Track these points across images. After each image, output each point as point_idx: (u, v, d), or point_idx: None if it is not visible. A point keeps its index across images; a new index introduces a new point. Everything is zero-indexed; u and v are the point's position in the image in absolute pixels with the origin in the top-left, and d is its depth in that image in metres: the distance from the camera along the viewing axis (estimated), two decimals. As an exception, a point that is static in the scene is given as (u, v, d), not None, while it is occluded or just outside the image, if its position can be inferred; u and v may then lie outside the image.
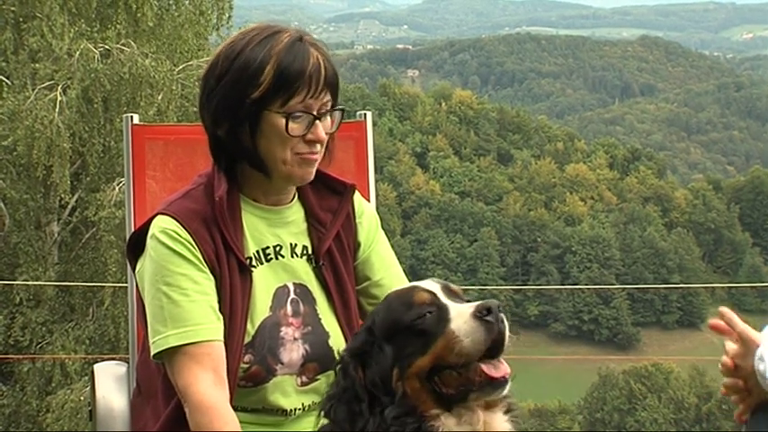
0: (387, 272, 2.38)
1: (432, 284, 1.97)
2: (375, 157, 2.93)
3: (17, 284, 15.89)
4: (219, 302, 2.15)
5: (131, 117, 2.82)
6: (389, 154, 77.67)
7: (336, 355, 2.11)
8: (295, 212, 2.31)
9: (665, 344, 68.83)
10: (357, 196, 2.41)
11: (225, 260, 2.17)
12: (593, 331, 68.97)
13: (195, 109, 14.80)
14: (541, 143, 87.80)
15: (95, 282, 15.77)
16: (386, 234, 2.48)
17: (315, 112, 2.16)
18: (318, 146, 2.19)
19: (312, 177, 2.23)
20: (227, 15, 18.49)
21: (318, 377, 2.24)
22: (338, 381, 1.92)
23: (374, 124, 2.99)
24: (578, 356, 62.92)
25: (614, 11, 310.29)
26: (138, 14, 16.73)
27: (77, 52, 15.48)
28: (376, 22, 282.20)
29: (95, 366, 2.61)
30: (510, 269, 74.20)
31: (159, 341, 2.11)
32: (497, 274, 72.25)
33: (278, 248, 2.27)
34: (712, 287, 73.62)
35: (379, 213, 2.54)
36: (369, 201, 2.62)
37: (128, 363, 2.61)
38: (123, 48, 15.66)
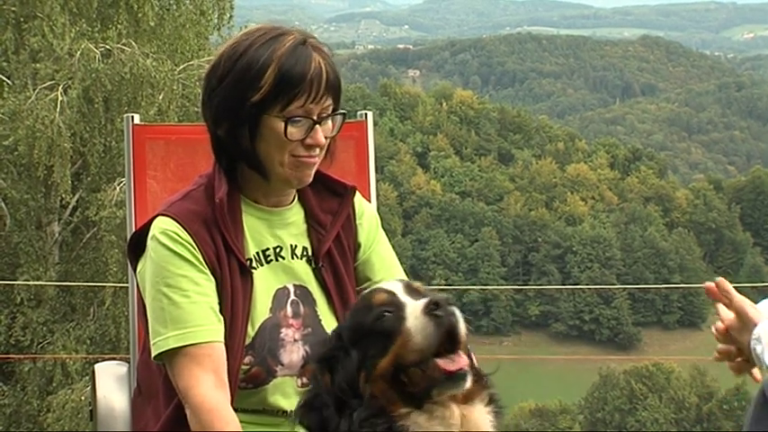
0: (387, 272, 2.37)
1: (393, 284, 1.98)
2: (376, 157, 2.92)
3: (18, 284, 15.90)
4: (220, 304, 2.15)
5: (132, 117, 2.81)
6: (390, 154, 77.66)
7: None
8: (295, 214, 2.31)
9: (666, 344, 68.81)
10: (357, 197, 2.41)
11: (225, 262, 2.17)
12: (593, 331, 68.96)
13: (196, 109, 14.88)
14: (542, 143, 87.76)
15: (96, 282, 15.76)
16: (386, 234, 2.48)
17: (315, 117, 2.16)
18: (317, 150, 2.19)
19: (310, 180, 2.23)
20: (228, 15, 18.48)
21: (319, 378, 2.24)
22: (310, 388, 1.94)
23: (375, 124, 2.99)
24: (579, 356, 62.90)
25: (615, 11, 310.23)
26: (139, 14, 16.73)
27: (78, 52, 15.48)
28: (377, 21, 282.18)
29: (96, 366, 2.61)
30: (511, 269, 74.18)
31: (160, 342, 2.11)
32: (498, 274, 72.25)
33: (278, 250, 2.27)
34: (713, 287, 73.36)
35: (379, 213, 2.54)
36: (369, 201, 2.62)
37: (128, 363, 2.61)
38: (124, 48, 15.65)
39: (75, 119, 15.39)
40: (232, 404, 2.10)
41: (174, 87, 15.74)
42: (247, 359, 2.17)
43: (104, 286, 15.36)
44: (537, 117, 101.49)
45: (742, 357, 2.11)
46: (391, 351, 1.85)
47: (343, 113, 2.23)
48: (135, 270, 2.27)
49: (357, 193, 2.40)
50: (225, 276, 2.16)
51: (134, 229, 2.45)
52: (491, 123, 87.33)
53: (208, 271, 2.15)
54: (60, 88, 15.38)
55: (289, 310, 2.24)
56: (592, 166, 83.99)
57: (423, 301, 1.87)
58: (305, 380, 2.22)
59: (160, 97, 15.48)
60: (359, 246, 2.38)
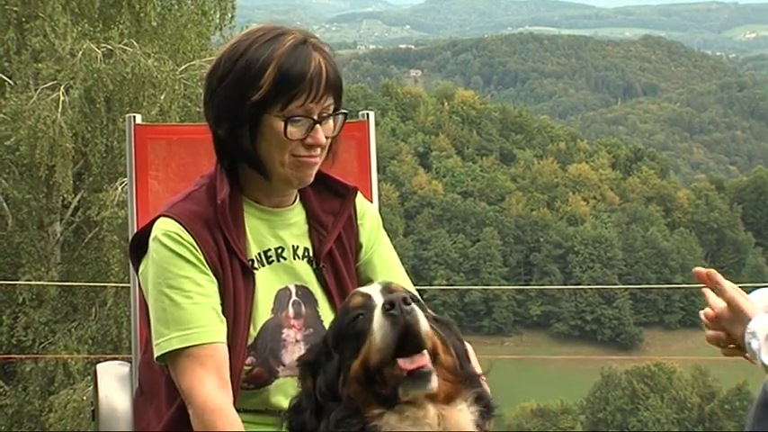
0: (389, 273, 2.37)
1: (372, 287, 1.99)
2: (377, 157, 2.92)
3: (20, 284, 15.92)
4: (222, 305, 2.15)
5: (134, 117, 2.81)
6: (392, 154, 77.59)
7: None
8: (297, 214, 2.31)
9: (668, 344, 68.72)
10: (359, 198, 2.41)
11: (227, 262, 2.17)
12: (595, 331, 68.88)
13: (198, 109, 14.89)
14: (544, 143, 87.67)
15: (98, 282, 15.78)
16: (388, 234, 2.48)
17: (315, 116, 2.15)
18: (318, 149, 2.19)
19: (311, 180, 2.23)
20: (230, 15, 18.50)
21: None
22: (299, 392, 1.98)
23: (377, 124, 2.98)
24: (581, 356, 62.84)
25: (617, 11, 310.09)
26: (141, 14, 16.74)
27: (80, 52, 15.50)
28: (379, 21, 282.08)
29: (98, 366, 2.61)
30: (512, 269, 74.11)
31: (162, 343, 2.12)
32: (500, 274, 72.17)
33: (280, 250, 2.27)
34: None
35: (381, 213, 2.54)
36: (371, 201, 2.62)
37: (130, 363, 2.60)
38: (126, 48, 15.67)
39: (77, 119, 15.40)
40: (234, 404, 2.10)
41: (176, 87, 15.75)
42: (249, 360, 2.17)
43: (106, 286, 15.38)
44: (538, 117, 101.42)
45: (733, 345, 2.10)
46: (361, 353, 1.86)
47: (345, 113, 2.22)
48: (137, 270, 2.27)
49: (359, 194, 2.40)
50: (227, 277, 2.16)
51: (136, 230, 2.45)
52: (493, 123, 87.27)
53: (210, 272, 2.15)
54: (62, 88, 15.39)
55: (290, 310, 2.24)
56: (593, 166, 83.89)
57: (380, 302, 1.87)
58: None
59: (162, 97, 15.49)
60: (360, 246, 2.38)
